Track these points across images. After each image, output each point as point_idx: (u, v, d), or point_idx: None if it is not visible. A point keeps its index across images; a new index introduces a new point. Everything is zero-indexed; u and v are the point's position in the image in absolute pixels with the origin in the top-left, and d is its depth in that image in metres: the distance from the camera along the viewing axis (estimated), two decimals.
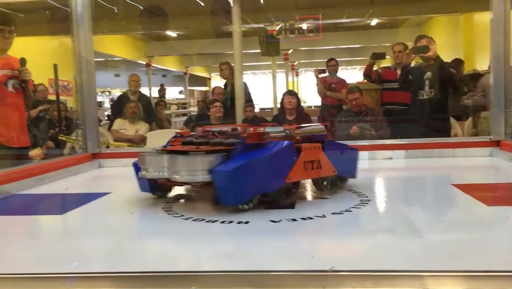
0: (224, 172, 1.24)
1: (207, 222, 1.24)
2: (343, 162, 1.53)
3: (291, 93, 5.82)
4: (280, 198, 1.37)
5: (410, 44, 5.69)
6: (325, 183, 1.49)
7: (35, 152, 4.46)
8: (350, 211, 1.29)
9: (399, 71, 5.09)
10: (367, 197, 1.44)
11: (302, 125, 1.52)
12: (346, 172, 1.57)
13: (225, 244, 1.11)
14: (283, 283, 0.82)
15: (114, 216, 1.48)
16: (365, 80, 5.92)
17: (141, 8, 11.16)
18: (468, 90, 6.74)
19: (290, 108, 5.54)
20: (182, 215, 1.34)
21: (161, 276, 0.86)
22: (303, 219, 1.22)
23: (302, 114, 5.72)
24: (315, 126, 1.54)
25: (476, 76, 7.17)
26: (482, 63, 7.95)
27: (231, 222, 1.21)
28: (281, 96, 5.98)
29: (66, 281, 0.83)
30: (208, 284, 0.84)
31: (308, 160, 1.37)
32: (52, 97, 7.70)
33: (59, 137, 5.22)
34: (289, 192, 1.41)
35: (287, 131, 1.42)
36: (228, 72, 6.69)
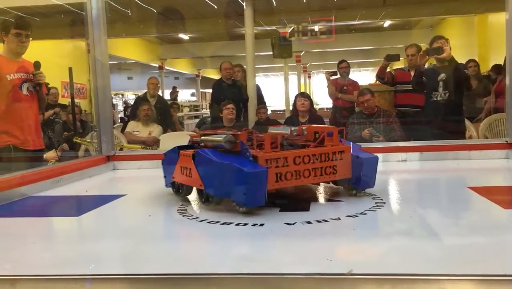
0: (162, 161, 1.64)
1: (222, 224, 1.24)
2: (217, 180, 1.31)
3: (303, 95, 5.82)
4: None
5: (424, 46, 5.66)
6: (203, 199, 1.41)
7: (50, 154, 4.52)
8: (365, 213, 1.28)
9: (412, 73, 5.07)
10: (382, 199, 1.43)
11: (212, 132, 1.46)
12: (225, 193, 1.31)
13: (240, 246, 1.11)
14: (300, 286, 0.82)
15: (129, 218, 1.49)
16: (378, 82, 5.89)
17: (155, 11, 11.23)
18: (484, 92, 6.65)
19: (303, 111, 5.54)
20: (197, 217, 1.35)
21: (177, 278, 0.86)
22: (318, 221, 1.21)
23: (314, 117, 5.71)
24: (217, 135, 1.39)
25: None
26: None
27: (246, 224, 1.21)
28: (294, 98, 5.98)
29: (86, 282, 0.84)
30: (225, 287, 0.84)
31: (183, 165, 1.43)
32: (65, 100, 7.79)
33: (74, 140, 5.28)
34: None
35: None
36: (241, 74, 6.70)
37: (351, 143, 1.49)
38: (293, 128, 1.55)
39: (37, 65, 3.69)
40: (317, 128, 1.51)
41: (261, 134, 1.43)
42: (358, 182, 1.45)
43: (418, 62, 4.70)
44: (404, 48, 5.83)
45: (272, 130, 1.58)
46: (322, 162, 1.38)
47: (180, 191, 1.57)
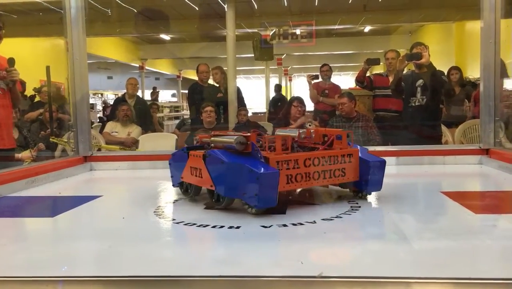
0: (169, 160, 1.64)
1: (199, 226, 1.25)
2: (229, 180, 1.31)
3: (301, 102, 5.66)
4: None
5: (403, 52, 5.74)
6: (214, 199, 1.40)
7: (25, 154, 4.44)
8: (341, 217, 1.30)
9: (391, 78, 5.14)
10: (357, 203, 1.45)
11: (222, 133, 1.46)
12: (235, 193, 1.32)
13: (216, 248, 1.12)
14: (273, 288, 0.83)
15: (105, 219, 1.48)
16: (357, 86, 5.94)
17: (135, 11, 11.15)
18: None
19: (298, 116, 5.46)
20: (174, 219, 1.35)
21: (151, 281, 0.86)
22: (294, 224, 1.23)
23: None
24: (227, 137, 1.39)
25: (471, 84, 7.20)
26: (473, 72, 8.03)
27: (222, 226, 1.22)
28: (289, 101, 5.90)
29: (58, 284, 0.83)
30: None
31: (193, 166, 1.44)
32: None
33: (51, 139, 5.19)
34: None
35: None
36: (219, 76, 6.69)
37: (358, 146, 1.51)
38: (301, 130, 1.56)
39: (11, 62, 3.60)
40: (325, 131, 1.53)
41: (271, 136, 1.46)
42: (366, 185, 1.47)
43: (397, 67, 4.76)
44: (383, 53, 5.89)
45: (279, 132, 1.57)
46: (331, 164, 1.41)
47: (188, 190, 1.56)
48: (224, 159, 1.31)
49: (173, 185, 1.63)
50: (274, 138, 1.40)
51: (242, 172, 1.27)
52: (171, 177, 1.63)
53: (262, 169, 1.25)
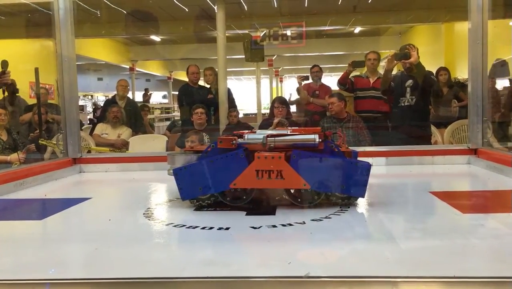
0: (174, 170, 1.40)
1: (188, 228, 1.25)
2: (330, 176, 1.36)
3: (281, 102, 5.68)
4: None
5: (388, 52, 5.76)
6: (299, 199, 1.41)
7: (14, 156, 4.40)
8: (330, 217, 1.31)
9: (371, 80, 5.19)
10: (346, 204, 1.46)
11: (283, 132, 1.45)
12: (336, 188, 1.39)
13: (205, 250, 1.12)
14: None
15: (94, 222, 1.48)
16: (339, 88, 5.92)
17: (125, 12, 11.11)
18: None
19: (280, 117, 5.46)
20: (163, 221, 1.35)
21: (140, 282, 0.86)
22: (283, 225, 1.23)
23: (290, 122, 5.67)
24: (300, 135, 1.41)
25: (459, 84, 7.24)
26: (462, 72, 8.08)
27: (211, 228, 1.22)
28: (271, 102, 5.92)
29: (45, 287, 0.83)
30: None
31: (263, 168, 1.34)
32: (33, 100, 7.57)
33: (39, 142, 5.15)
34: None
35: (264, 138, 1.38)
36: (212, 78, 6.68)
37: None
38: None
39: (4, 64, 3.53)
40: (299, 130, 1.59)
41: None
42: None
43: (386, 66, 4.77)
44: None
45: (260, 132, 1.56)
46: None
47: (243, 198, 1.42)
48: (322, 157, 1.36)
49: (183, 198, 1.43)
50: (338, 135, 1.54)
51: (343, 167, 1.37)
52: (180, 189, 1.41)
53: (364, 162, 1.38)
